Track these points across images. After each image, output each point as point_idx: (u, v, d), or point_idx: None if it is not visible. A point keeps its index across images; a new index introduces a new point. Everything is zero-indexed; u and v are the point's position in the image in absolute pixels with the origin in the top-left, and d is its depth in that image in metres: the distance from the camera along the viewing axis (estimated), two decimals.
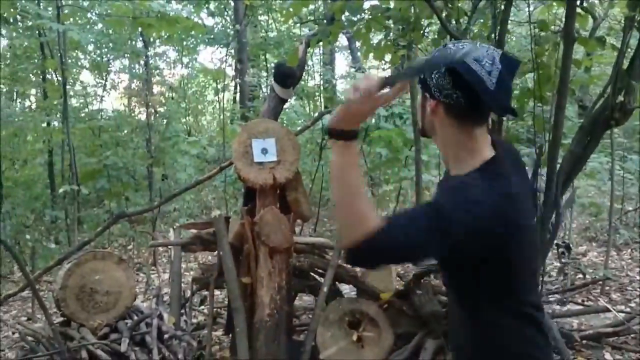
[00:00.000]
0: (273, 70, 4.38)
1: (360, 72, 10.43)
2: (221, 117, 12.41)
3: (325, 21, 4.90)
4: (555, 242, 4.42)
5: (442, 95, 1.41)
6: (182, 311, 4.22)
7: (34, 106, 13.36)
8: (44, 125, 10.02)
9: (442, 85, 1.40)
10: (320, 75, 13.53)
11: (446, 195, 1.43)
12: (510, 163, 1.49)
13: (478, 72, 1.35)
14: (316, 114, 7.72)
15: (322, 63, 14.19)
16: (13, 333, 5.09)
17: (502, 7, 3.48)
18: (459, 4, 3.67)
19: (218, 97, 14.22)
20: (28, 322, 4.92)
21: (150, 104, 9.92)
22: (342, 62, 19.86)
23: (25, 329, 4.20)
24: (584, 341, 4.01)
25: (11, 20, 7.70)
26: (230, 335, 3.99)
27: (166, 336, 3.66)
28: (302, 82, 10.94)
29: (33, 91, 13.54)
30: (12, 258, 7.45)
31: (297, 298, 5.09)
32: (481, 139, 1.45)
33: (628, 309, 4.75)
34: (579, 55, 4.71)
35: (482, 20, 4.00)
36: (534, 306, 1.51)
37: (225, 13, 14.35)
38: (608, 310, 4.18)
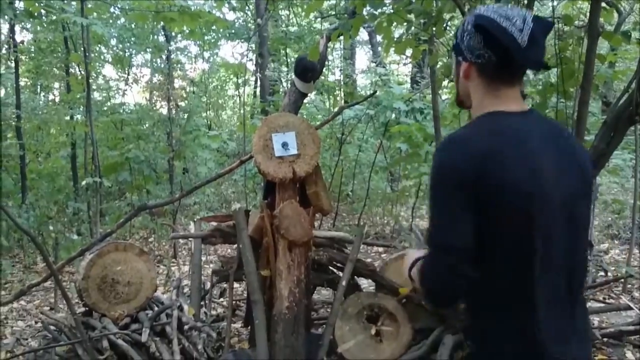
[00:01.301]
0: (294, 65, 4.38)
1: (381, 67, 10.39)
2: (241, 111, 12.47)
3: (346, 15, 4.89)
4: None
5: (474, 56, 1.44)
6: (202, 303, 4.26)
7: (57, 99, 13.56)
8: (67, 118, 10.17)
9: (473, 45, 1.43)
10: (341, 70, 13.53)
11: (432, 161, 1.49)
12: (540, 135, 1.42)
13: (508, 29, 1.36)
14: (336, 109, 7.71)
15: (342, 58, 14.17)
16: (36, 322, 5.20)
17: (526, 1, 3.44)
18: None
19: (238, 92, 14.30)
20: (51, 312, 5.00)
21: (171, 98, 10.02)
22: (363, 57, 19.82)
23: (48, 318, 4.28)
24: (605, 339, 3.97)
25: (36, 15, 7.80)
26: (249, 327, 4.01)
27: (186, 327, 3.70)
28: (323, 77, 10.95)
29: (56, 85, 13.77)
30: (36, 248, 7.61)
31: (315, 292, 5.12)
32: (506, 101, 1.45)
33: None
34: (603, 51, 4.65)
35: None
36: (519, 296, 1.40)
37: (247, 7, 14.40)
38: (630, 308, 4.13)
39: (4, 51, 9.11)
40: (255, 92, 15.27)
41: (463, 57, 1.48)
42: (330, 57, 13.61)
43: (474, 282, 1.37)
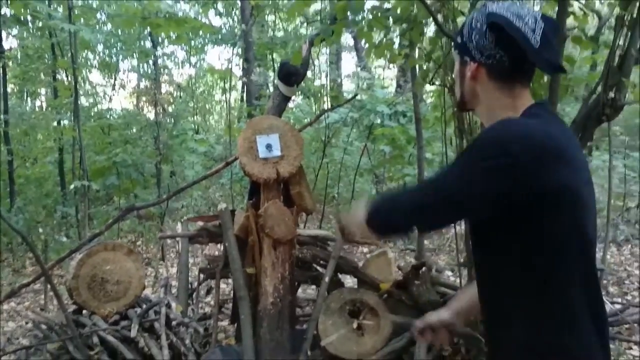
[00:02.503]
0: (277, 69, 4.52)
1: (365, 71, 10.55)
2: (228, 115, 12.59)
3: (329, 21, 5.04)
4: None
5: (483, 57, 1.35)
6: (189, 301, 4.37)
7: (44, 105, 13.60)
8: (54, 124, 10.23)
9: (483, 45, 1.34)
10: (327, 75, 13.70)
11: (488, 133, 1.30)
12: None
13: (522, 29, 1.29)
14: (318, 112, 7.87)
15: (328, 62, 14.34)
16: (26, 323, 5.28)
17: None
18: (456, 4, 3.79)
19: (225, 96, 14.41)
20: (41, 311, 5.08)
21: (158, 102, 10.11)
22: (350, 61, 20.02)
23: (39, 317, 4.38)
24: None
25: (22, 20, 7.89)
26: (236, 324, 4.13)
27: (174, 323, 3.81)
28: (309, 82, 11.11)
29: (43, 91, 13.80)
30: (25, 252, 7.68)
31: (301, 290, 5.25)
32: (526, 100, 1.37)
33: (624, 302, 4.86)
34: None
35: None
36: (588, 302, 1.26)
37: (233, 13, 14.52)
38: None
39: None
40: (242, 97, 15.39)
41: (470, 57, 1.39)
42: (316, 62, 13.80)
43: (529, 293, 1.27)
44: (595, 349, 1.27)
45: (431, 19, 3.88)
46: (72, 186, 7.43)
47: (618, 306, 4.39)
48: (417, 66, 4.92)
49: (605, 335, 1.31)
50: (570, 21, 4.30)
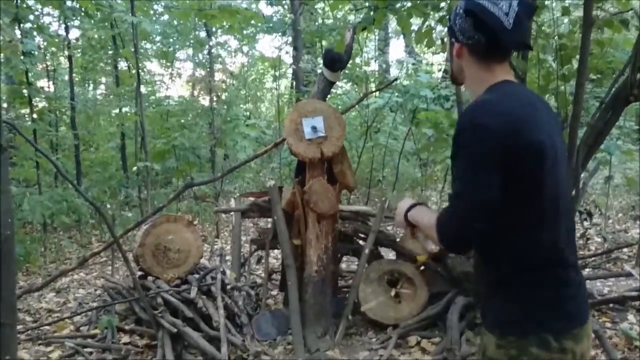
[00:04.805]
0: (322, 56, 4.82)
1: (412, 56, 10.72)
2: (278, 102, 12.99)
3: (370, 10, 5.30)
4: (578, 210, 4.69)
5: (465, 38, 1.57)
6: (241, 270, 4.78)
7: (105, 93, 14.35)
8: (116, 110, 10.89)
9: (464, 28, 1.56)
10: (375, 61, 13.88)
11: (458, 122, 1.55)
12: (537, 99, 1.62)
13: (495, 13, 1.50)
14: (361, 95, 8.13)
15: (376, 49, 14.51)
16: (95, 290, 5.82)
17: None
18: None
19: (275, 84, 14.81)
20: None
21: (212, 90, 10.63)
22: (399, 47, 20.06)
23: (107, 282, 4.90)
24: (610, 305, 4.30)
25: (89, 12, 8.46)
26: (284, 292, 4.52)
27: (228, 287, 4.22)
28: (357, 69, 11.35)
29: (103, 79, 14.56)
30: (94, 224, 8.32)
31: (345, 265, 5.58)
32: (501, 74, 1.59)
33: None
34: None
35: None
36: (558, 258, 1.52)
37: (283, 1, 14.86)
38: (631, 275, 4.45)
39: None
40: (292, 84, 15.76)
41: (456, 39, 1.61)
42: (365, 48, 13.99)
43: (493, 232, 1.50)
44: (567, 286, 1.53)
45: None
46: (134, 168, 7.99)
47: None
48: None
49: (574, 279, 1.56)
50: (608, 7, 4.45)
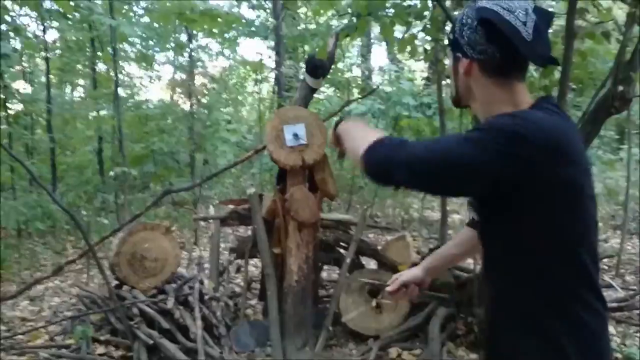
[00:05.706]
0: (304, 62, 4.77)
1: (394, 63, 10.74)
2: (259, 107, 12.91)
3: (353, 16, 5.26)
4: None
5: (475, 52, 1.35)
6: (220, 279, 4.69)
7: (82, 96, 14.12)
8: (94, 113, 10.71)
9: (474, 40, 1.34)
10: (358, 67, 13.90)
11: (499, 121, 1.27)
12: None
13: (512, 22, 1.28)
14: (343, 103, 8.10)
15: (359, 55, 14.53)
16: (70, 298, 5.68)
17: None
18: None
19: (257, 88, 14.73)
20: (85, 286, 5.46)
21: (193, 94, 10.51)
22: (382, 54, 20.13)
23: (82, 291, 4.77)
24: None
25: (68, 15, 8.32)
26: (263, 302, 4.44)
27: (206, 298, 4.13)
28: (338, 74, 11.34)
29: (81, 82, 14.33)
30: (68, 231, 8.14)
31: (324, 271, 5.52)
32: (523, 94, 1.37)
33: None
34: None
35: None
36: (593, 288, 1.30)
37: (265, 5, 14.80)
38: (611, 286, 4.47)
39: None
40: (274, 89, 15.69)
41: (462, 53, 1.38)
42: (347, 54, 13.99)
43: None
44: (599, 327, 1.30)
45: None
46: (111, 173, 7.85)
47: (631, 292, 4.56)
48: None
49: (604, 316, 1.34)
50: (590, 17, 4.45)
